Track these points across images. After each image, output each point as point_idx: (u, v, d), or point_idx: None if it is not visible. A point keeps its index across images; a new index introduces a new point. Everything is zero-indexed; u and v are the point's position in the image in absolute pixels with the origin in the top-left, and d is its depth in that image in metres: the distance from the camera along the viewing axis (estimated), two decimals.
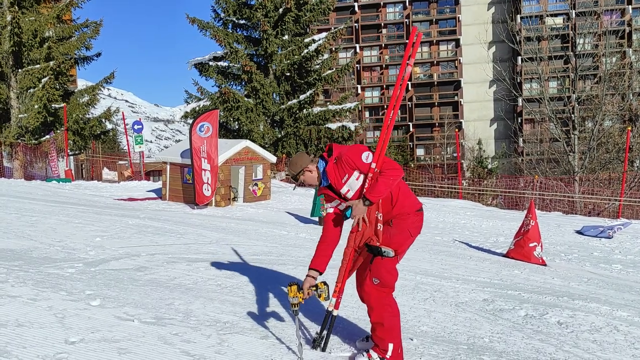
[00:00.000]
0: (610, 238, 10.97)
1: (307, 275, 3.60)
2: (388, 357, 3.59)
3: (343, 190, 3.61)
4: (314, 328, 4.21)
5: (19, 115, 21.94)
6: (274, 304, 4.84)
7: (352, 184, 3.59)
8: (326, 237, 3.70)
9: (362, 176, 3.55)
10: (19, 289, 4.32)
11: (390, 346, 3.58)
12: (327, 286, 3.63)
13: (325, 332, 3.75)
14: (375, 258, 3.58)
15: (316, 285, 3.60)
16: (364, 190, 3.54)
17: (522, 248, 8.57)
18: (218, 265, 6.30)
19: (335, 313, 3.70)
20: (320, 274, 3.63)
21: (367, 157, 3.55)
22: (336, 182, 3.62)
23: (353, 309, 4.83)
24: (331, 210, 3.72)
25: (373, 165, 3.52)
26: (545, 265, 8.26)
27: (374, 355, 3.61)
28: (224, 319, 4.20)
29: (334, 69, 25.54)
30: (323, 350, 3.73)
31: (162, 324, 3.91)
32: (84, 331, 3.61)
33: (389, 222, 3.63)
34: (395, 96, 3.61)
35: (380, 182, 3.47)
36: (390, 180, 3.49)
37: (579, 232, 11.76)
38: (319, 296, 3.60)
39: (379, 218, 3.60)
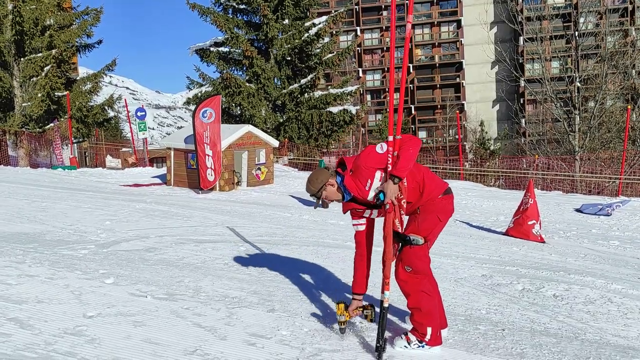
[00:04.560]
0: (609, 215, 11.12)
1: (353, 299, 3.74)
2: (427, 340, 3.57)
3: (370, 197, 3.49)
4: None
5: (23, 104, 22.11)
6: (279, 281, 5.04)
7: (378, 186, 3.47)
8: (362, 253, 3.74)
9: (383, 174, 3.44)
10: (36, 269, 4.53)
11: (429, 330, 3.55)
12: (374, 308, 3.72)
13: (383, 336, 3.46)
14: (404, 247, 3.55)
15: (363, 307, 3.73)
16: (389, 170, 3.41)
17: (521, 226, 8.72)
18: (224, 245, 6.50)
19: (386, 305, 3.51)
20: (364, 294, 3.78)
21: (381, 147, 3.48)
22: (359, 192, 3.50)
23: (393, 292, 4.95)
24: (362, 228, 3.68)
25: (392, 138, 3.43)
26: (543, 242, 8.41)
27: (413, 338, 3.59)
28: (232, 295, 4.40)
29: (335, 52, 25.53)
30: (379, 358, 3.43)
31: (173, 299, 4.12)
32: (100, 306, 3.81)
33: (417, 210, 3.59)
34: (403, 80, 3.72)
35: (402, 156, 3.38)
36: (410, 150, 3.41)
37: (578, 210, 11.89)
38: (365, 317, 3.76)
39: (402, 204, 3.51)
